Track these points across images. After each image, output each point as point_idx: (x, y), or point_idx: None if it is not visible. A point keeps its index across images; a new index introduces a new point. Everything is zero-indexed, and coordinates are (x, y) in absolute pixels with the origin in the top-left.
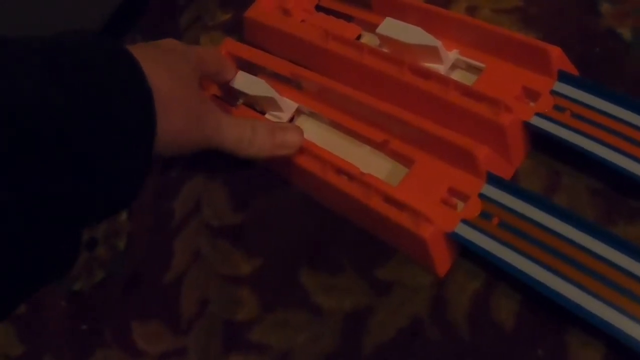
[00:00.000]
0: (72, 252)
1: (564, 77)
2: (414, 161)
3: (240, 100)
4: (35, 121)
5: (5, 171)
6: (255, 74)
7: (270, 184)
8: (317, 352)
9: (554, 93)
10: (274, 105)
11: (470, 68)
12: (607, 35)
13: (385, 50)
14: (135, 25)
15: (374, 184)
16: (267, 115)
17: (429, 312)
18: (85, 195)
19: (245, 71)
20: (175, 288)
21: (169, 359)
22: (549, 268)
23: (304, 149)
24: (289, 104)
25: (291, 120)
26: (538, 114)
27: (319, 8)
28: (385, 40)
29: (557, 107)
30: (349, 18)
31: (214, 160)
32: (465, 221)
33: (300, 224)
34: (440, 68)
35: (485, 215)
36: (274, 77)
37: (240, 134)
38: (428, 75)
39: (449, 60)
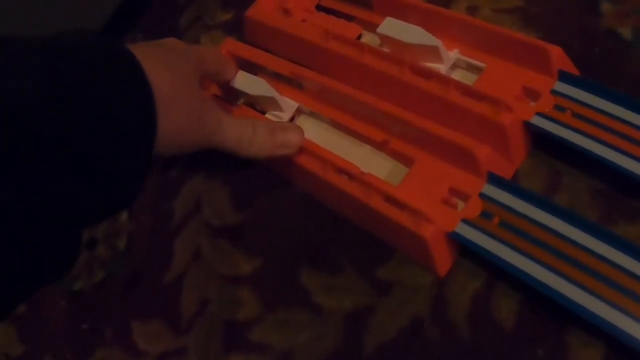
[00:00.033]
0: (72, 252)
1: (564, 76)
2: (414, 161)
3: (241, 100)
4: (35, 121)
5: (5, 171)
6: (255, 74)
7: (271, 184)
8: (318, 352)
9: (554, 93)
10: (275, 104)
11: (471, 68)
12: (608, 35)
13: (385, 50)
14: (136, 25)
15: (374, 183)
16: (267, 115)
17: (429, 312)
18: (85, 195)
19: (245, 71)
20: (176, 288)
21: (169, 359)
22: (549, 268)
23: (304, 148)
24: (289, 104)
25: (292, 119)
26: (538, 114)
27: (319, 8)
28: (385, 40)
29: (557, 107)
30: (349, 18)
31: (214, 160)
32: (465, 221)
33: (301, 224)
34: (441, 68)
35: (485, 214)
36: (275, 77)
37: (240, 134)
38: (429, 75)
39: (449, 60)
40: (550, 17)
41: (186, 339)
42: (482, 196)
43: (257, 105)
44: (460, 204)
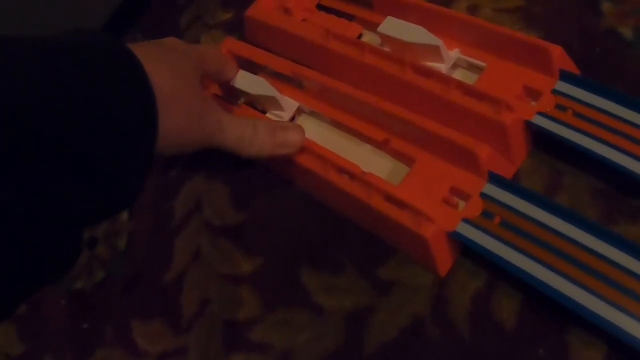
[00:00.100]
0: (72, 252)
1: (565, 76)
2: (415, 160)
3: (241, 100)
4: (35, 121)
5: (5, 171)
6: (256, 73)
7: (271, 183)
8: (318, 351)
9: (555, 92)
10: (275, 104)
11: (472, 67)
12: (608, 35)
13: (386, 49)
14: (136, 25)
15: (375, 183)
16: (268, 114)
17: (430, 312)
18: (85, 195)
19: (246, 70)
20: (176, 287)
21: (170, 359)
22: (550, 267)
23: (305, 148)
24: (290, 103)
25: (292, 119)
26: (539, 113)
27: (320, 7)
28: (386, 39)
29: (558, 106)
30: (350, 17)
31: (215, 160)
32: (466, 220)
33: (301, 224)
34: (442, 67)
35: (486, 214)
36: (275, 76)
37: (241, 133)
38: (429, 74)
39: (450, 59)
40: (551, 16)
41: (186, 339)
42: (483, 196)
43: (258, 104)
44: (461, 204)
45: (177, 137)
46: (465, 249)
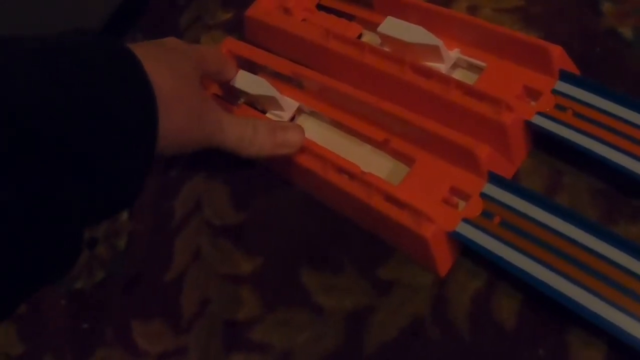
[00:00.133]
0: (72, 252)
1: (565, 76)
2: (415, 160)
3: (241, 100)
4: (35, 121)
5: (5, 171)
6: (256, 73)
7: (271, 183)
8: (318, 352)
9: (555, 92)
10: (275, 104)
11: (472, 67)
12: (608, 35)
13: (386, 49)
14: (136, 25)
15: (374, 183)
16: (268, 115)
17: (430, 312)
18: (85, 195)
19: (246, 70)
20: (176, 287)
21: (170, 359)
22: (550, 267)
23: (304, 148)
24: (290, 103)
25: (292, 119)
26: (539, 113)
27: (320, 7)
28: (386, 39)
29: (558, 106)
30: (350, 17)
31: (215, 160)
32: (466, 220)
33: (301, 224)
34: (442, 67)
35: (486, 214)
36: (275, 76)
37: (241, 133)
38: (429, 74)
39: (450, 60)
40: (551, 16)
41: (186, 339)
42: (483, 196)
43: (258, 104)
44: (461, 204)
45: (177, 137)
46: (465, 249)
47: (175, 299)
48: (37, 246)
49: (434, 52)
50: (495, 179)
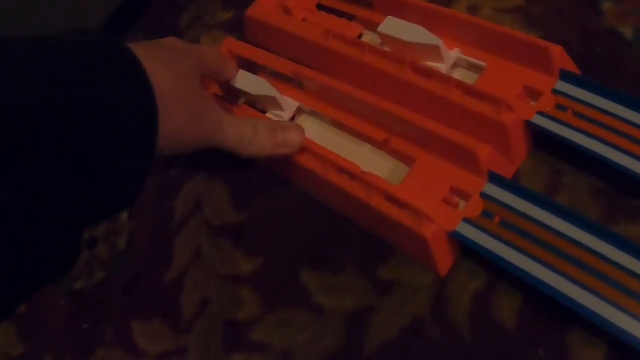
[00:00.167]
0: (72, 252)
1: (565, 75)
2: (415, 160)
3: (241, 99)
4: (35, 121)
5: (5, 171)
6: (256, 73)
7: (271, 183)
8: (318, 351)
9: (555, 92)
10: (275, 104)
11: (472, 67)
12: (609, 34)
13: (386, 48)
14: (136, 25)
15: (375, 182)
16: (268, 114)
17: (430, 312)
18: (85, 195)
19: (246, 70)
20: (176, 287)
21: (170, 359)
22: (550, 267)
23: (304, 147)
24: (289, 103)
25: (292, 119)
26: (539, 113)
27: (320, 7)
28: (386, 38)
29: (558, 106)
30: (350, 17)
31: (215, 160)
32: (466, 220)
33: (301, 224)
34: (442, 67)
35: (486, 214)
36: (275, 76)
37: (241, 133)
38: (429, 73)
39: (450, 59)
40: (551, 16)
41: (186, 339)
42: (483, 195)
43: (258, 104)
44: (461, 203)
45: (177, 137)
46: (465, 249)
47: (175, 299)
48: (37, 246)
49: (434, 51)
50: (496, 179)
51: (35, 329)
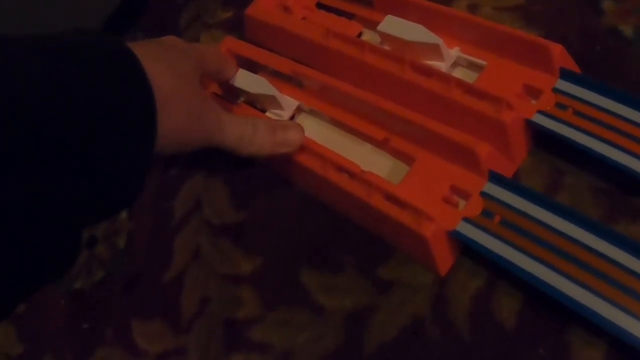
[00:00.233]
0: (72, 251)
1: (565, 74)
2: (415, 159)
3: (241, 99)
4: (35, 121)
5: (5, 171)
6: (255, 72)
7: (271, 183)
8: (318, 351)
9: (555, 91)
10: (275, 103)
11: (472, 66)
12: (609, 33)
13: (386, 47)
14: (136, 24)
15: (375, 182)
16: (267, 113)
17: (430, 311)
18: (85, 195)
19: (245, 69)
20: (176, 287)
21: (170, 358)
22: (551, 266)
23: (304, 147)
24: (289, 102)
25: (292, 118)
26: (540, 112)
27: (319, 5)
28: (386, 37)
29: (559, 105)
30: (350, 15)
31: (214, 159)
32: (466, 219)
33: (301, 224)
34: (442, 66)
35: (486, 213)
36: (275, 75)
37: (241, 132)
38: (429, 72)
39: (450, 58)
40: (551, 15)
41: (186, 339)
42: (483, 195)
43: (258, 103)
44: (461, 203)
45: (176, 136)
46: (465, 248)
47: (175, 299)
48: (37, 246)
49: (434, 50)
50: (496, 178)
51: (35, 329)
